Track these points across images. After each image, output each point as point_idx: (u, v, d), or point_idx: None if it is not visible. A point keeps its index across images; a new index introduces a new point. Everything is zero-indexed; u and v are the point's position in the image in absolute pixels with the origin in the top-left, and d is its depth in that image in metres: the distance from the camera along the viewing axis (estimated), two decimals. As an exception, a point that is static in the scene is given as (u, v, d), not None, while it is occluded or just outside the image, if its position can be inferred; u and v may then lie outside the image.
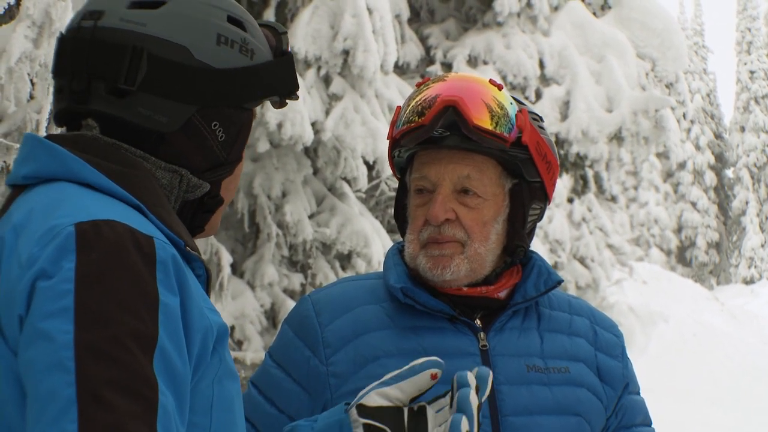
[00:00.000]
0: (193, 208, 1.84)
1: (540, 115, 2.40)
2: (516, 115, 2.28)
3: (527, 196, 2.32)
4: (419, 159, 2.31)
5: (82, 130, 1.75)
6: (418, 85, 2.35)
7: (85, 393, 1.42)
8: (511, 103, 2.30)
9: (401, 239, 2.41)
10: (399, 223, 2.40)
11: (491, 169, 2.29)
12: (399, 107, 2.36)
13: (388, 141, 2.38)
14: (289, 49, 1.93)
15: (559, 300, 2.43)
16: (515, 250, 2.33)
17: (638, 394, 2.45)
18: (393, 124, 2.34)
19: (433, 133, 2.24)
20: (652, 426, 2.46)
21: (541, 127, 2.34)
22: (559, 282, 2.36)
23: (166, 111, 1.74)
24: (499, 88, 2.33)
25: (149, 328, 1.49)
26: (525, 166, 2.29)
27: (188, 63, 1.75)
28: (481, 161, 2.27)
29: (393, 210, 2.43)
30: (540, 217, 2.38)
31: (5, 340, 1.53)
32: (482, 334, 2.28)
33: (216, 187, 1.86)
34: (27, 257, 1.53)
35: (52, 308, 1.47)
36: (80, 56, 1.74)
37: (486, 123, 2.22)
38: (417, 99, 2.29)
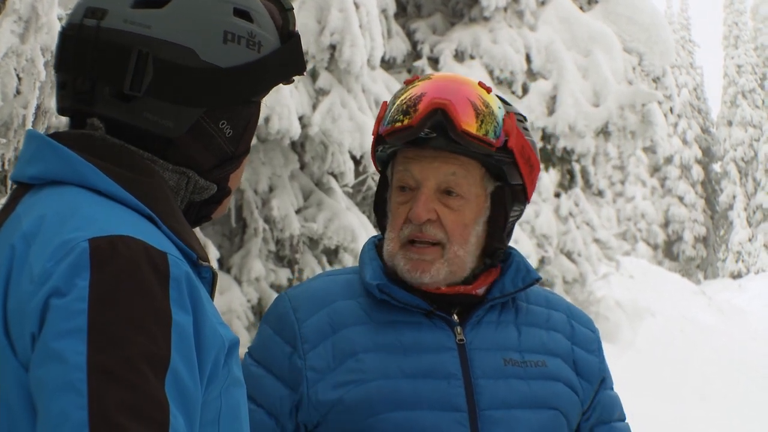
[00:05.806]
0: (199, 203, 1.82)
1: (524, 114, 2.39)
2: (503, 119, 2.27)
3: (509, 199, 2.33)
4: (403, 155, 2.30)
5: (87, 128, 1.71)
6: (407, 83, 2.34)
7: (97, 416, 1.41)
8: (500, 107, 2.29)
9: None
10: (378, 216, 2.40)
11: (475, 171, 2.28)
12: (385, 103, 2.34)
13: (372, 136, 2.36)
14: (296, 29, 1.88)
15: (536, 295, 2.44)
16: (494, 252, 2.34)
17: (612, 389, 2.47)
18: (379, 121, 2.32)
19: (420, 134, 2.23)
20: (626, 421, 2.48)
21: (525, 129, 2.34)
22: (537, 279, 2.36)
23: (172, 116, 1.71)
24: (488, 90, 2.31)
25: (162, 348, 1.49)
26: (509, 170, 2.29)
27: (195, 65, 1.71)
28: (466, 162, 2.27)
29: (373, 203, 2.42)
30: (519, 216, 2.38)
31: (15, 355, 1.52)
32: (459, 329, 2.28)
33: (224, 180, 1.83)
34: (40, 272, 1.51)
35: (65, 328, 1.46)
36: (84, 57, 1.70)
37: (473, 127, 2.22)
38: (404, 98, 2.28)
